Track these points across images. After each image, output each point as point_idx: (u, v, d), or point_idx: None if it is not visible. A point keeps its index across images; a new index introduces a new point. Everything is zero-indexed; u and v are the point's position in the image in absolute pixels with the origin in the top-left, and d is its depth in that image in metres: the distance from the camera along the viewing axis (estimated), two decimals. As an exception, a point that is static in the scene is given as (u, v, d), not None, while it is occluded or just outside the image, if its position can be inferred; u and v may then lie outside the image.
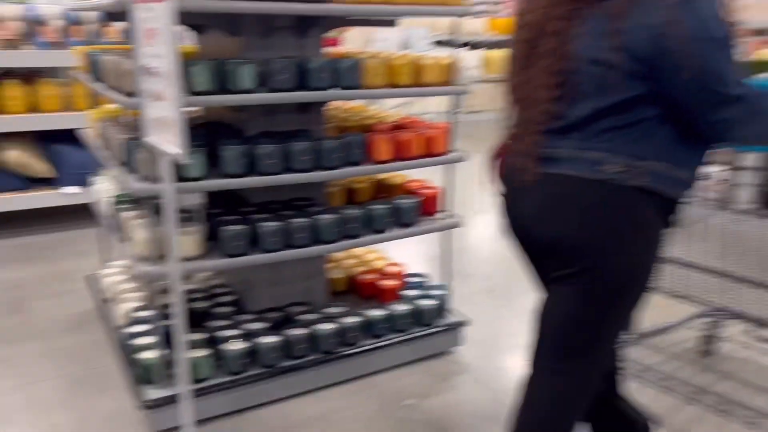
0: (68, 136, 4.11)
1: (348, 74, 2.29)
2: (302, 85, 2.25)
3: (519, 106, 1.51)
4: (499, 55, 9.99)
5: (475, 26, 10.40)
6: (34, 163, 4.23)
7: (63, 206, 4.34)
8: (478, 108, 9.57)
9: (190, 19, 2.38)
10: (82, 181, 4.04)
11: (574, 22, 1.35)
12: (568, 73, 1.35)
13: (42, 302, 3.28)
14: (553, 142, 1.43)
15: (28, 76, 4.32)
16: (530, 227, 1.52)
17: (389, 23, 2.88)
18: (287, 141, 2.28)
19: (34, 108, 4.18)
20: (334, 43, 9.63)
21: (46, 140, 4.39)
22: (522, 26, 1.48)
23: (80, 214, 4.17)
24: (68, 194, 4.28)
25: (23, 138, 4.30)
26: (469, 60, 9.55)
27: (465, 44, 10.22)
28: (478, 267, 3.92)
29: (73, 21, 4.19)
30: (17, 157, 4.14)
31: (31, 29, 4.14)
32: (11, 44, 4.04)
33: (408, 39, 9.64)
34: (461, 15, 2.50)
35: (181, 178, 2.07)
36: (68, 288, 3.43)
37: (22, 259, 3.86)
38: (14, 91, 4.05)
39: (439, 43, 10.19)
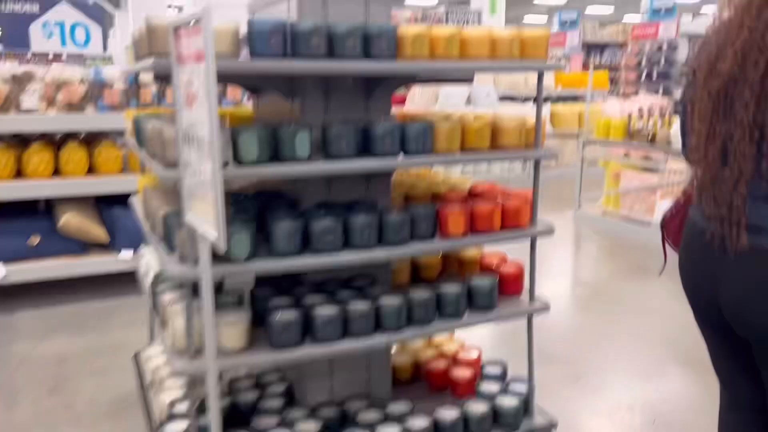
0: (127, 200, 4.01)
1: (418, 139, 1.99)
2: (366, 151, 1.97)
3: (709, 162, 1.30)
4: (567, 109, 9.63)
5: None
6: (92, 227, 4.13)
7: (119, 272, 4.20)
8: (546, 164, 9.16)
9: (243, 81, 2.17)
10: (139, 247, 3.89)
11: None
12: None
13: (85, 381, 3.06)
14: (759, 208, 1.21)
15: (90, 138, 4.28)
16: (733, 309, 1.28)
17: (466, 79, 2.59)
18: (347, 214, 1.99)
19: (93, 171, 4.11)
20: (400, 100, 9.53)
21: (104, 203, 4.30)
22: (710, 76, 1.28)
23: (136, 281, 4.00)
24: (124, 260, 4.14)
25: (81, 201, 4.23)
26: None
27: (528, 99, 9.93)
28: (559, 347, 3.47)
29: (135, 83, 4.15)
30: (74, 220, 4.05)
31: (95, 92, 4.11)
32: (75, 107, 4.02)
33: (474, 94, 9.43)
34: (547, 70, 2.19)
35: (225, 259, 1.80)
36: (115, 365, 3.21)
37: (72, 328, 3.70)
38: (74, 154, 4.00)
39: (506, 98, 9.94)
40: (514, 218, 2.22)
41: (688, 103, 1.39)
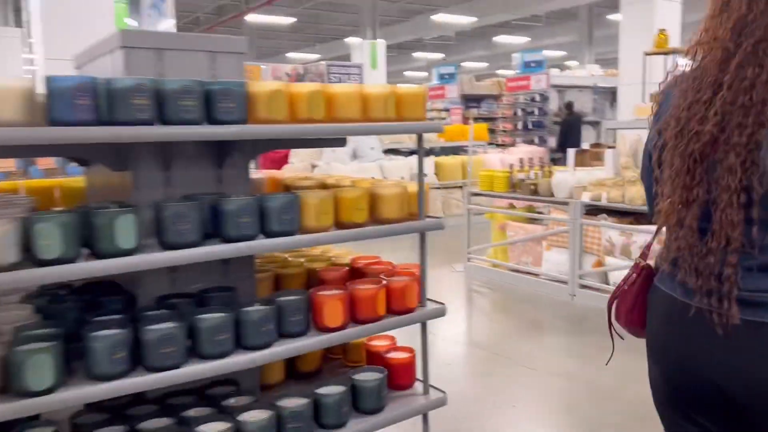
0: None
1: (281, 216, 1.64)
2: (216, 233, 1.60)
3: (686, 230, 1.19)
4: (450, 161, 9.74)
5: (426, 133, 10.21)
6: None
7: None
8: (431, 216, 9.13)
9: (52, 151, 1.73)
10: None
11: (765, 131, 1.06)
12: (765, 194, 1.08)
13: None
14: (754, 280, 1.11)
15: None
16: (762, 396, 1.14)
17: (339, 142, 2.28)
18: (194, 315, 1.59)
19: None
20: (283, 156, 9.16)
21: None
22: (681, 137, 1.16)
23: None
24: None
25: None
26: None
27: (414, 152, 9.99)
28: (462, 426, 3.17)
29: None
30: None
31: None
32: None
33: (358, 148, 9.30)
34: (426, 132, 1.94)
35: (19, 392, 1.33)
36: None
37: None
38: None
39: (391, 151, 9.91)
40: (401, 300, 1.91)
41: (655, 166, 1.25)
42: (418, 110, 1.91)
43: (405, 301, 1.91)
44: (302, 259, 2.19)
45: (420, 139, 1.95)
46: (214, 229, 1.61)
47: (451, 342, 4.50)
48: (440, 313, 1.98)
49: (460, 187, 9.24)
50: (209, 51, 1.78)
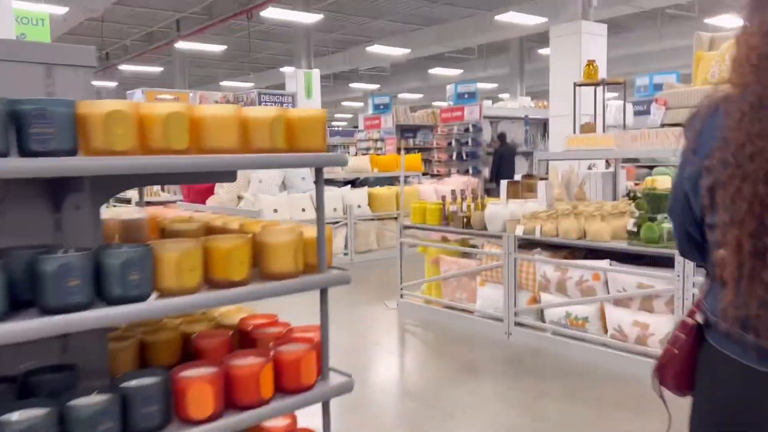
0: None
1: (125, 276, 1.25)
2: (36, 300, 1.19)
3: (759, 285, 1.04)
4: (384, 192, 9.48)
5: (360, 164, 9.98)
6: None
7: None
8: (365, 248, 8.80)
9: None
10: None
11: None
12: None
13: None
14: None
15: None
16: None
17: (226, 176, 1.90)
18: (6, 407, 1.16)
19: None
20: (209, 188, 8.63)
21: None
22: (743, 175, 1.02)
23: None
24: None
25: None
26: (355, 198, 8.91)
27: (350, 182, 9.70)
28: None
29: None
30: None
31: None
32: None
33: (287, 178, 8.90)
34: (326, 164, 1.59)
35: None
36: None
37: None
38: None
39: (325, 181, 9.57)
40: (294, 375, 1.53)
41: (706, 210, 1.09)
42: (316, 139, 1.56)
43: (300, 376, 1.53)
44: (178, 321, 1.78)
45: (319, 173, 1.60)
46: (32, 294, 1.20)
47: (380, 391, 4.12)
48: (346, 388, 1.61)
49: (395, 218, 8.97)
50: (42, 63, 1.39)
